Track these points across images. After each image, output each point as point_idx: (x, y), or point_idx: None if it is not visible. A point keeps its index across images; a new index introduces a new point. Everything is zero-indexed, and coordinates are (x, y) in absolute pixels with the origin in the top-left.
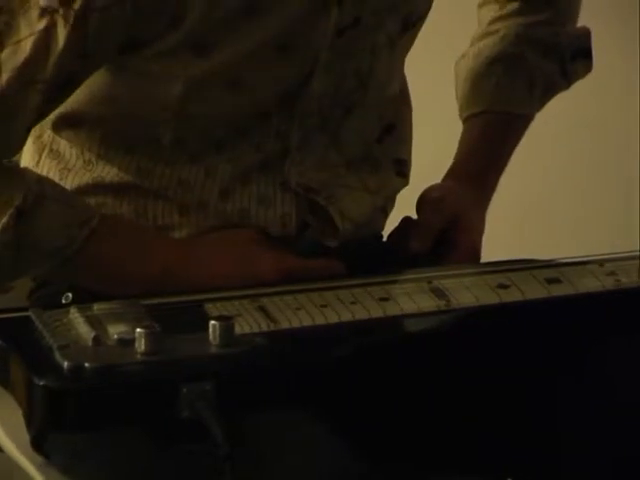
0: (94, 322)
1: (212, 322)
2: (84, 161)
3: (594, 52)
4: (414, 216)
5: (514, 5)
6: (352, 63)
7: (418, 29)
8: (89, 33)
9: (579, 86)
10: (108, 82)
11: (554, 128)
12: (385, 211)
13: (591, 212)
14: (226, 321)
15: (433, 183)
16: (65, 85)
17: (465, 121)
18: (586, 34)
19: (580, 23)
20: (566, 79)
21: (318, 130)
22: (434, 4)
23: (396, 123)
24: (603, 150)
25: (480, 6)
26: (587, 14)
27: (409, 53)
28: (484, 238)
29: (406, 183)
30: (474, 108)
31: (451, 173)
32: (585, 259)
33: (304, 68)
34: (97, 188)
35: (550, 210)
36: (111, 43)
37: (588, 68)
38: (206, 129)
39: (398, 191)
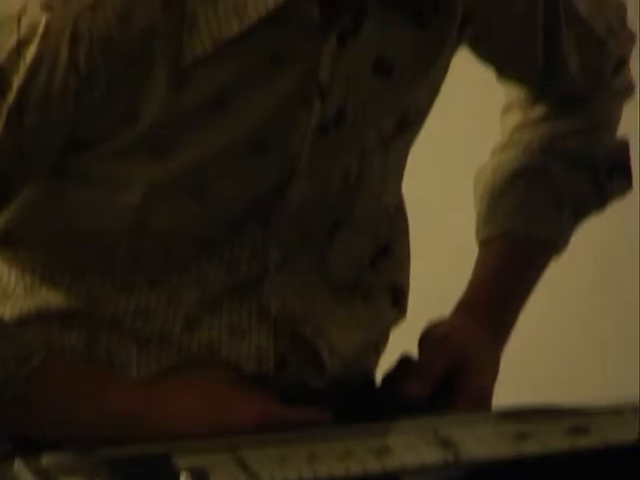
0: (44, 477)
1: (184, 474)
2: (25, 286)
3: None
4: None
5: (540, 110)
6: (338, 168)
7: (417, 130)
8: (24, 130)
9: None
10: (50, 191)
11: None
12: (377, 347)
13: None
14: (200, 477)
15: (438, 316)
16: None
17: (481, 245)
18: (623, 146)
19: None
20: (600, 198)
21: (301, 248)
22: (444, 105)
23: (392, 243)
24: None
25: (504, 113)
26: None
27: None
28: None
29: (403, 316)
30: (491, 230)
31: (461, 306)
32: (621, 406)
33: (282, 171)
34: (41, 317)
35: None
36: (53, 141)
37: (626, 186)
38: (168, 245)
39: (394, 324)
